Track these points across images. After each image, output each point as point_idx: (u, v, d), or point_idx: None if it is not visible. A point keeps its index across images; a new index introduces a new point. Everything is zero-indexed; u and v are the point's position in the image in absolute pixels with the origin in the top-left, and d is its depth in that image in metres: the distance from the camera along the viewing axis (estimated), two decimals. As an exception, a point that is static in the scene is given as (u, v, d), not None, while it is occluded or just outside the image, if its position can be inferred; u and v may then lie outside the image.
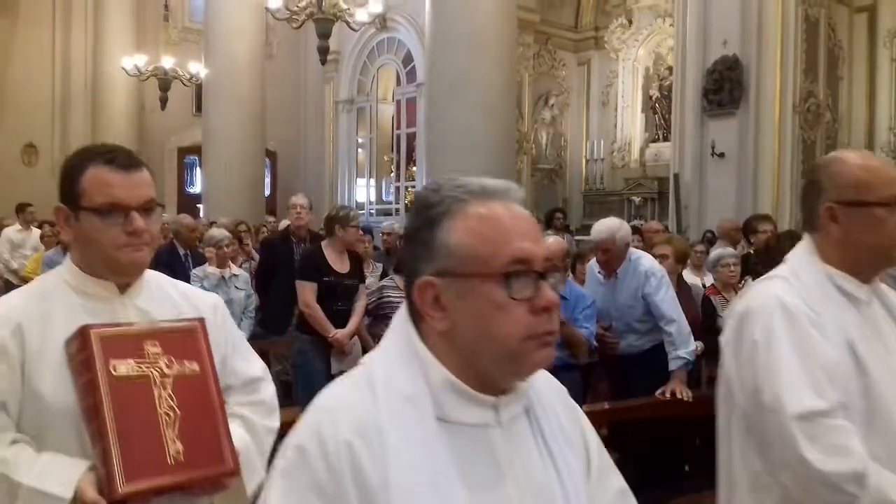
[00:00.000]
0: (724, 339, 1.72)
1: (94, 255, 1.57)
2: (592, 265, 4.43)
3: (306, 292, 4.63)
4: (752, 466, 1.65)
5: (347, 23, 9.44)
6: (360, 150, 15.83)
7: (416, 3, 11.44)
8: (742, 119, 10.08)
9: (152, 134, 15.59)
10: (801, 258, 1.71)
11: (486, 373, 1.01)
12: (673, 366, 3.94)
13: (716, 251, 4.96)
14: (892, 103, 10.70)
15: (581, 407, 3.77)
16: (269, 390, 1.82)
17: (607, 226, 4.18)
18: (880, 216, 1.62)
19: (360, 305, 4.76)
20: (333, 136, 15.76)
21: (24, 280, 9.03)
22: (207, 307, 1.74)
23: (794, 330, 1.58)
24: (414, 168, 14.10)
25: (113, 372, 1.46)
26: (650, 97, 13.28)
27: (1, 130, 14.00)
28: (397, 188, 15.03)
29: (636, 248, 5.04)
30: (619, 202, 13.09)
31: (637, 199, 12.79)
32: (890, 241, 1.63)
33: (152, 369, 1.50)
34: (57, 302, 1.57)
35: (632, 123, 13.59)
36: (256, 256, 7.12)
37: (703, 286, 5.00)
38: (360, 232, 4.71)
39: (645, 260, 4.21)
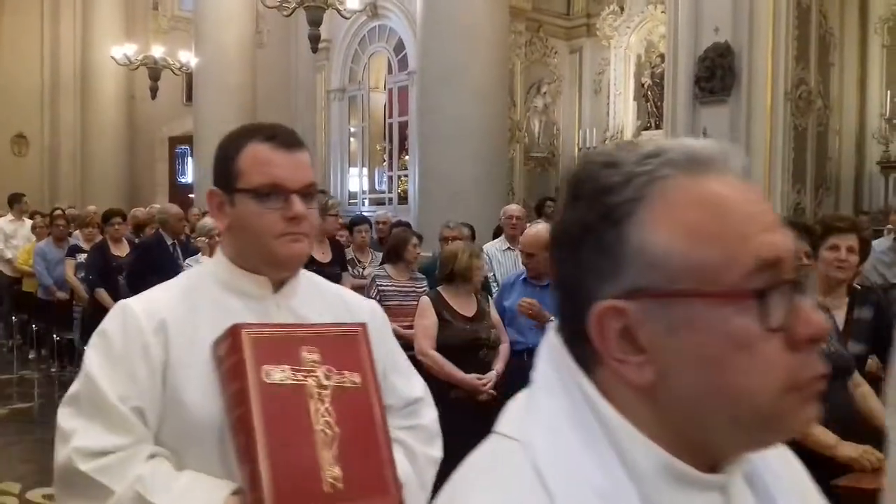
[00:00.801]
0: None
1: (248, 246, 1.40)
2: None
3: (289, 283, 4.61)
4: None
5: (338, 10, 9.40)
6: (351, 139, 15.78)
7: (408, -9, 11.39)
8: (734, 106, 10.08)
9: (142, 123, 15.52)
10: None
11: (712, 444, 0.66)
12: None
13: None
14: (882, 90, 10.72)
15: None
16: (430, 414, 1.60)
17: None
18: None
19: (341, 293, 4.75)
20: (325, 124, 15.71)
21: (18, 270, 9.02)
22: (365, 312, 1.54)
23: None
24: (406, 157, 14.07)
25: (265, 379, 1.27)
26: (642, 85, 13.26)
27: (-10, 121, 13.93)
28: (390, 177, 15.00)
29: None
30: (611, 190, 13.09)
31: (630, 187, 12.79)
32: None
33: (309, 379, 1.30)
34: (204, 298, 1.40)
35: (624, 111, 13.58)
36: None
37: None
38: (339, 220, 4.69)
39: None
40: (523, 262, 4.15)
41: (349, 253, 5.82)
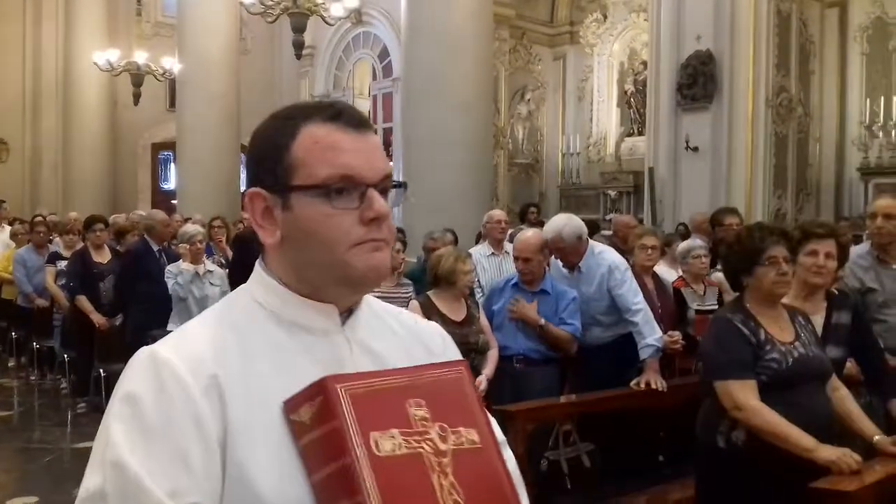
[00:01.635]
0: None
1: (312, 262, 1.03)
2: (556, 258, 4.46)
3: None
4: None
5: (322, 17, 9.40)
6: (336, 145, 15.75)
7: (392, -2, 11.41)
8: (715, 113, 10.17)
9: (125, 130, 15.43)
10: None
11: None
12: (644, 354, 3.98)
13: (685, 243, 5.03)
14: (862, 98, 10.84)
15: (559, 399, 3.74)
16: (513, 459, 1.21)
17: (553, 224, 4.26)
18: None
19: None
20: (310, 131, 15.68)
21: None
22: (435, 340, 1.21)
23: None
24: (391, 164, 14.07)
25: (376, 451, 0.93)
26: (625, 92, 13.36)
27: (-30, 127, 13.82)
28: (374, 183, 14.99)
29: (605, 241, 5.12)
30: (594, 196, 13.17)
31: (613, 193, 12.87)
32: None
33: (424, 444, 0.98)
34: (256, 339, 1.03)
35: (607, 118, 13.67)
36: (230, 253, 7.09)
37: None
38: None
39: (608, 254, 4.27)
40: (518, 268, 4.15)
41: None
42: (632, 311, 4.07)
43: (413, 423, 0.98)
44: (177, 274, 5.56)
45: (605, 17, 13.44)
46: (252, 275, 1.09)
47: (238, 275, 6.02)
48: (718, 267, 3.89)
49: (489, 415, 1.08)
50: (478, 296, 4.81)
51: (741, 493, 2.62)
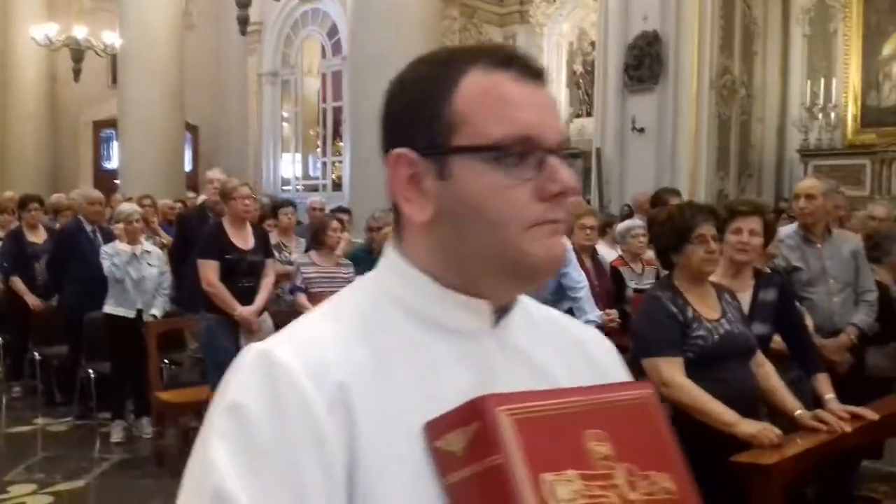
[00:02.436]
0: None
1: (473, 246, 0.81)
2: None
3: (208, 270, 4.52)
4: None
5: (267, -8, 9.22)
6: (284, 124, 15.55)
7: (339, -26, 11.24)
8: (661, 94, 10.27)
9: (65, 107, 15.00)
10: None
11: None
12: None
13: (625, 223, 5.09)
14: (803, 79, 11.05)
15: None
16: None
17: None
18: None
19: (267, 282, 4.70)
20: (257, 109, 15.44)
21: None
22: (599, 349, 0.97)
23: None
24: (341, 143, 13.94)
25: (548, 500, 0.71)
26: (574, 72, 13.40)
27: None
28: (324, 163, 14.85)
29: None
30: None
31: (562, 174, 12.94)
32: None
33: (608, 493, 0.75)
34: (391, 340, 0.81)
35: (557, 98, 13.71)
36: (162, 233, 6.96)
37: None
38: (247, 203, 4.60)
39: None
40: None
41: (273, 237, 5.74)
42: (576, 288, 4.18)
43: (594, 462, 0.76)
44: (113, 255, 5.42)
45: (555, -4, 13.44)
46: (382, 260, 0.88)
47: (180, 256, 5.91)
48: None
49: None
50: None
51: None
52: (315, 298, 4.79)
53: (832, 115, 10.65)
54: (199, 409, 4.90)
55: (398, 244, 0.86)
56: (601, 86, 10.97)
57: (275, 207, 6.37)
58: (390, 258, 0.87)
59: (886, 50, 10.47)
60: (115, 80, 13.36)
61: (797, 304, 3.49)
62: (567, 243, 4.05)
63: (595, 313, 4.16)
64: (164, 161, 11.82)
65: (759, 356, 2.92)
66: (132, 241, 5.49)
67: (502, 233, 0.79)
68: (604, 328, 4.22)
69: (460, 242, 0.81)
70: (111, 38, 12.35)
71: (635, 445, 0.80)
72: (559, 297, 4.33)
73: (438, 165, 0.80)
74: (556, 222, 0.81)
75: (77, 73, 12.70)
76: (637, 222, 4.95)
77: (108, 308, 5.39)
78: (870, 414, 2.78)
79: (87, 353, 5.66)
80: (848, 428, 2.70)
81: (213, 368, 4.58)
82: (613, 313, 4.32)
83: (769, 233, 3.35)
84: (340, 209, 6.27)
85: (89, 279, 5.54)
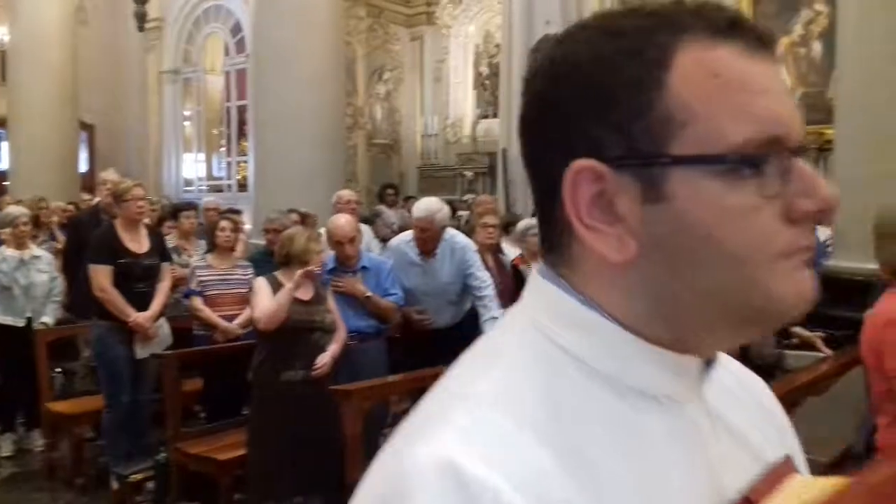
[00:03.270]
0: None
1: (700, 286, 0.58)
2: (397, 245, 4.49)
3: (100, 276, 4.35)
4: None
5: (165, -12, 8.96)
6: (187, 123, 15.13)
7: (242, -29, 11.02)
8: (564, 96, 10.48)
9: (-51, 104, 14.15)
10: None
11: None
12: (488, 327, 4.08)
13: (523, 221, 5.18)
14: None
15: (387, 375, 3.77)
16: None
17: (427, 205, 4.31)
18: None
19: (163, 286, 4.56)
20: (158, 108, 14.97)
21: None
22: (765, 395, 0.76)
23: None
24: (246, 143, 13.67)
25: None
26: (480, 74, 13.55)
27: None
28: (229, 163, 14.52)
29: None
30: (452, 177, 13.32)
31: (469, 174, 13.07)
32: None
33: None
34: (587, 422, 0.57)
35: (463, 99, 13.83)
36: (58, 235, 6.67)
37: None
38: (141, 204, 4.46)
39: (459, 237, 4.43)
40: (340, 254, 4.15)
41: (173, 240, 5.57)
42: (482, 287, 4.25)
43: None
44: (0, 261, 5.16)
45: (461, -2, 13.56)
46: (538, 301, 0.63)
47: (73, 261, 5.66)
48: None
49: None
50: None
51: None
52: (211, 302, 4.67)
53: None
54: (93, 420, 4.72)
55: (567, 281, 0.61)
56: (506, 88, 11.12)
57: (175, 210, 6.18)
58: (562, 304, 0.61)
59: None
60: (3, 77, 12.71)
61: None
62: (472, 243, 4.12)
63: (499, 311, 4.24)
64: (56, 161, 11.32)
65: None
66: (20, 246, 5.24)
67: (743, 270, 0.57)
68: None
69: (677, 285, 0.58)
70: (-1, 32, 11.76)
71: None
72: (463, 296, 4.38)
73: (646, 182, 0.57)
74: (807, 250, 0.59)
75: (-39, 68, 12.02)
76: (535, 221, 5.04)
77: (-1, 317, 5.13)
78: None
79: (-27, 365, 5.36)
80: None
81: (106, 378, 4.42)
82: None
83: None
84: (231, 210, 6.13)
85: (-28, 286, 5.25)
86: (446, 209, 4.40)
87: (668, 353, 0.60)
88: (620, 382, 0.59)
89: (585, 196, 0.58)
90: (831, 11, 6.08)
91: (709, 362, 0.64)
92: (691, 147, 0.56)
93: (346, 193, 5.86)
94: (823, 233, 6.18)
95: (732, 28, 0.59)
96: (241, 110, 13.84)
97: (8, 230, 5.22)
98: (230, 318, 4.66)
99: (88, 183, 12.75)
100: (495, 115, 12.70)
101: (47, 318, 5.22)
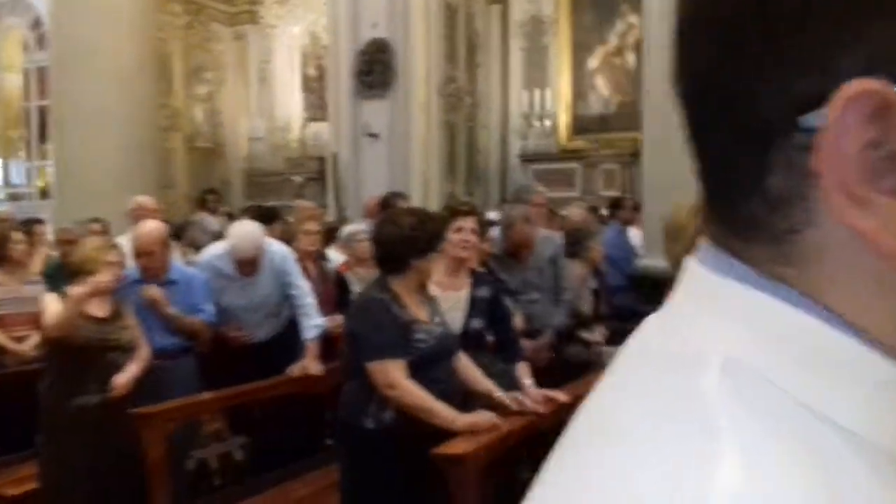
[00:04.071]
0: None
1: None
2: (208, 261, 4.18)
3: None
4: None
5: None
6: (-19, 124, 13.73)
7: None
8: (392, 101, 10.46)
9: None
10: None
11: None
12: (310, 334, 3.97)
13: (349, 227, 5.04)
14: (522, 89, 11.83)
15: (199, 393, 3.52)
16: None
17: (251, 238, 4.01)
18: None
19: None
20: (-54, 107, 13.49)
21: None
22: None
23: None
24: (48, 146, 12.58)
25: None
26: (308, 76, 13.26)
27: None
28: (28, 169, 13.35)
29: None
30: (280, 182, 12.93)
31: (298, 179, 12.74)
32: None
33: None
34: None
35: (291, 102, 13.48)
36: None
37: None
38: None
39: (275, 246, 4.24)
40: (141, 265, 3.78)
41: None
42: (302, 295, 4.07)
43: None
44: None
45: (286, -2, 13.22)
46: (729, 315, 0.38)
47: None
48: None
49: None
50: None
51: (389, 473, 2.63)
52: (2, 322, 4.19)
53: (547, 123, 11.52)
54: None
55: (791, 285, 0.37)
56: (334, 91, 10.94)
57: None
58: (791, 325, 0.36)
59: (591, 63, 11.51)
60: None
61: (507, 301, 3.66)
62: (290, 251, 3.91)
63: (321, 320, 4.08)
64: None
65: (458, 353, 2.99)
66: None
67: None
68: (330, 335, 4.14)
69: None
70: None
71: None
72: (282, 306, 4.18)
73: None
74: None
75: None
76: (361, 227, 4.91)
77: None
78: (561, 396, 2.97)
79: None
80: (542, 409, 2.87)
81: None
82: (339, 319, 4.23)
83: (483, 231, 3.49)
84: (31, 220, 5.55)
85: None
86: (258, 230, 4.16)
87: None
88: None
89: (854, 146, 0.33)
90: (644, 23, 6.39)
91: None
92: None
93: (143, 199, 5.42)
94: (637, 235, 6.50)
95: None
96: (43, 111, 12.73)
97: None
98: (21, 340, 4.22)
99: None
100: (324, 119, 12.46)
101: None
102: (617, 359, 0.42)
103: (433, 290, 3.00)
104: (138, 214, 4.89)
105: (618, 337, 4.44)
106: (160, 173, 9.01)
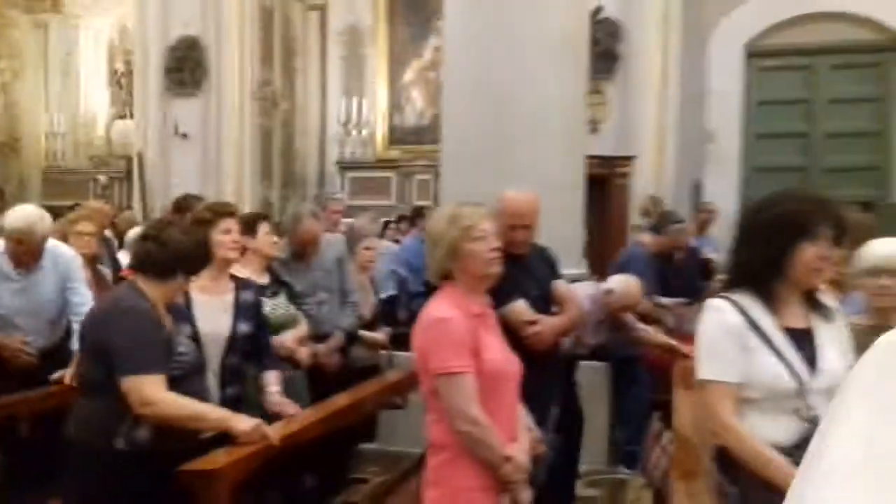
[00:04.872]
0: None
1: None
2: None
3: None
4: None
5: None
6: None
7: None
8: (204, 101, 10.20)
9: None
10: None
11: None
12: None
13: (134, 229, 4.90)
14: (340, 97, 11.88)
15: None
16: None
17: (25, 215, 3.76)
18: None
19: None
20: None
21: None
22: None
23: None
24: None
25: None
26: (116, 71, 12.62)
27: None
28: None
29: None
30: (83, 181, 12.18)
31: (103, 178, 12.08)
32: None
33: None
34: None
35: (96, 98, 12.77)
36: None
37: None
38: None
39: (62, 248, 3.99)
40: None
41: None
42: (83, 304, 3.81)
43: None
44: None
45: (93, -11, 12.51)
46: None
47: None
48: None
49: None
50: None
51: (140, 497, 2.44)
52: None
53: (364, 131, 11.64)
54: None
55: None
56: (141, 87, 10.51)
57: None
58: None
59: (407, 76, 11.77)
60: None
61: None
62: (78, 256, 3.68)
63: None
64: None
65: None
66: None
67: None
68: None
69: None
70: None
71: None
72: (63, 314, 3.92)
73: None
74: None
75: None
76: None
77: None
78: (292, 408, 3.00)
79: None
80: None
81: None
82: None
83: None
84: None
85: None
86: (48, 219, 3.90)
87: None
88: None
89: None
90: (443, 44, 6.63)
91: None
92: None
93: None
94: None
95: None
96: None
97: None
98: None
99: None
100: (132, 116, 11.92)
101: None
102: None
103: (196, 294, 2.97)
104: None
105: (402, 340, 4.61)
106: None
